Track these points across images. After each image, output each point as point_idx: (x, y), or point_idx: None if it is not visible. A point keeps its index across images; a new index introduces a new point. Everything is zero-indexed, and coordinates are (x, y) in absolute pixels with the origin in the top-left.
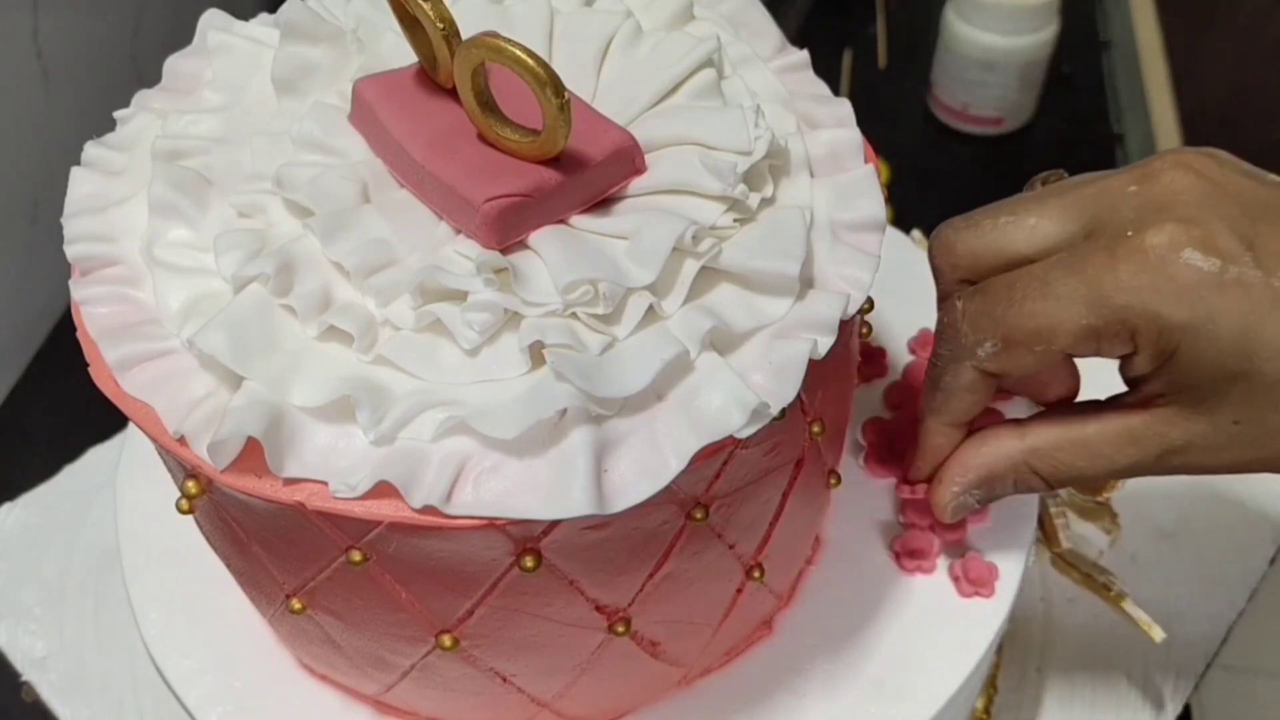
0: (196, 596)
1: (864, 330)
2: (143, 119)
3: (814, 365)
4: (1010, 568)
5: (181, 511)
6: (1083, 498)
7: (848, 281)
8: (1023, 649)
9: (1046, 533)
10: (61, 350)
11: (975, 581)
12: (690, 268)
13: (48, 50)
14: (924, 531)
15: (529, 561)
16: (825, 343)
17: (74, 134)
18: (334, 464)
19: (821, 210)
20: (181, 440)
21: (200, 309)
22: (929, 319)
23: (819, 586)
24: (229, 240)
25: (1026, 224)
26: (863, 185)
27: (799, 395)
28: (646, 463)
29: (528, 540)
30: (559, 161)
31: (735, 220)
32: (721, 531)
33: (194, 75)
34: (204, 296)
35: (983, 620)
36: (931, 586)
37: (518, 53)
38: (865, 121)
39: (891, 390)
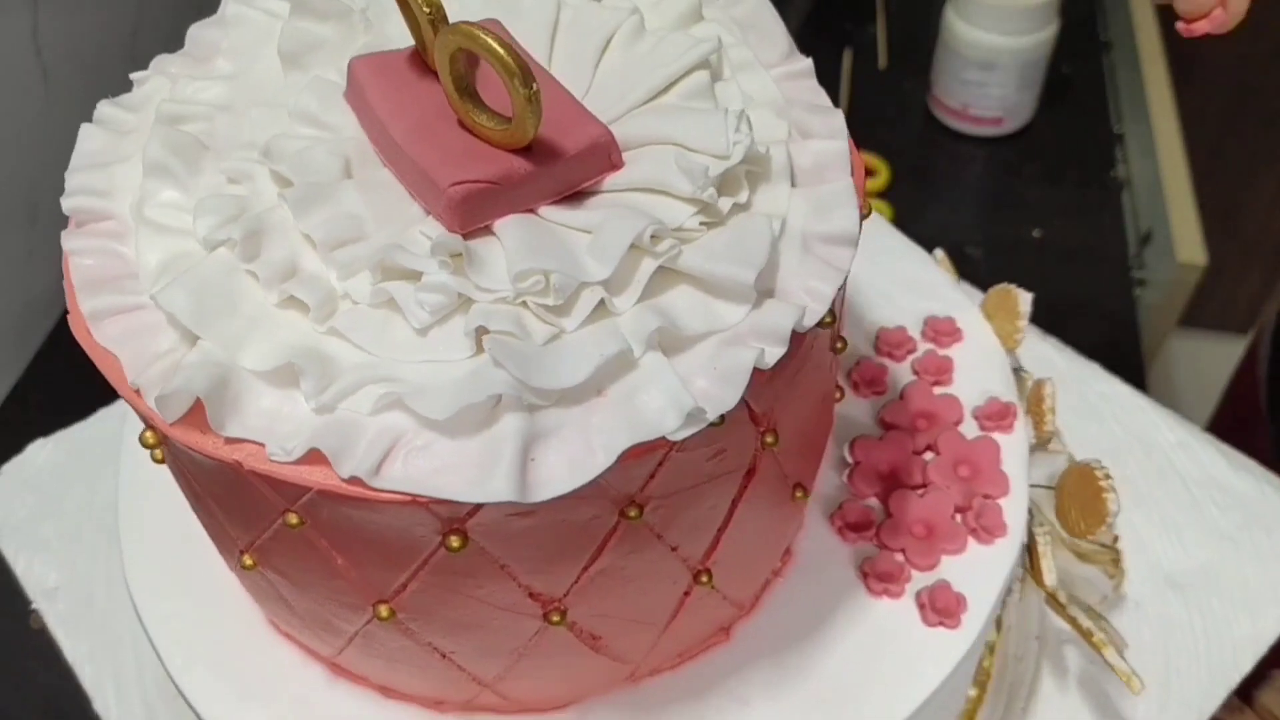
0: (181, 547)
1: (839, 345)
2: (157, 82)
3: (770, 375)
4: (980, 601)
5: (156, 460)
6: (1086, 542)
7: (810, 293)
8: (1011, 686)
9: (1033, 567)
10: (61, 351)
11: (941, 611)
12: (648, 266)
13: (48, 50)
14: (895, 554)
15: (455, 541)
16: (775, 353)
17: (74, 134)
18: (274, 428)
19: (796, 220)
20: (138, 392)
21: (174, 268)
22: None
23: (784, 599)
24: (208, 204)
25: None
26: (840, 198)
27: (746, 404)
28: (574, 456)
29: (454, 520)
30: (531, 151)
31: (702, 223)
32: (661, 532)
33: (213, 43)
34: (180, 256)
35: (943, 652)
36: (897, 611)
37: (490, 41)
38: (865, 122)
39: (887, 409)
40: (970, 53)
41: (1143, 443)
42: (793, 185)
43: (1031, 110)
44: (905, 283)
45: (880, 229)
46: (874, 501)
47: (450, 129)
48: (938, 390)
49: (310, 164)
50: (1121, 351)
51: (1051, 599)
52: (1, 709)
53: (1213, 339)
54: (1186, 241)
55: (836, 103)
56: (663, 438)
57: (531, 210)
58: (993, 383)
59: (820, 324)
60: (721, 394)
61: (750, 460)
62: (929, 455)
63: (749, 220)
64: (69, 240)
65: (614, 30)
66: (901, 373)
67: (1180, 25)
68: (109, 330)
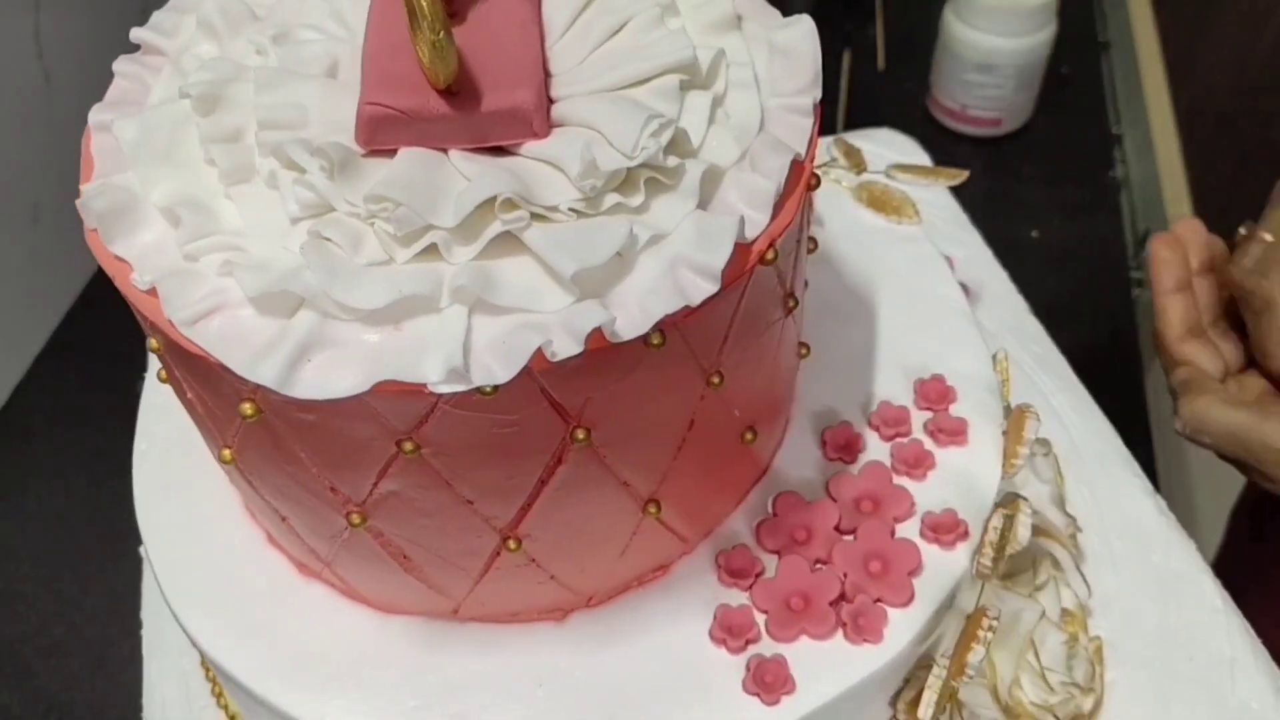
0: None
1: (714, 379)
2: None
3: (574, 372)
4: (810, 693)
5: None
6: (1033, 706)
7: (641, 309)
8: None
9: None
10: (63, 352)
11: (763, 685)
12: (494, 229)
13: (48, 50)
14: (759, 613)
15: (248, 409)
16: (564, 348)
17: (74, 134)
18: (147, 259)
19: (677, 241)
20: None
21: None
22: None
23: (633, 608)
24: (211, 63)
25: None
26: (718, 233)
27: (545, 391)
28: (335, 371)
29: (244, 391)
30: (456, 96)
31: (573, 209)
32: (450, 480)
33: None
34: (171, 99)
35: None
36: (725, 666)
37: None
38: (864, 123)
39: (835, 480)
40: (969, 54)
41: (1191, 642)
42: (696, 206)
43: (1030, 111)
44: (942, 371)
45: (958, 307)
46: (772, 558)
47: (411, 55)
48: (899, 480)
49: (300, 54)
50: (1121, 352)
51: None
52: (2, 709)
53: None
54: None
55: (835, 103)
56: (423, 386)
57: (443, 150)
58: (964, 499)
59: (647, 343)
60: (494, 367)
61: (556, 448)
62: (850, 538)
63: (613, 222)
64: (119, 64)
65: (633, 16)
66: (879, 451)
67: None
68: (101, 142)
